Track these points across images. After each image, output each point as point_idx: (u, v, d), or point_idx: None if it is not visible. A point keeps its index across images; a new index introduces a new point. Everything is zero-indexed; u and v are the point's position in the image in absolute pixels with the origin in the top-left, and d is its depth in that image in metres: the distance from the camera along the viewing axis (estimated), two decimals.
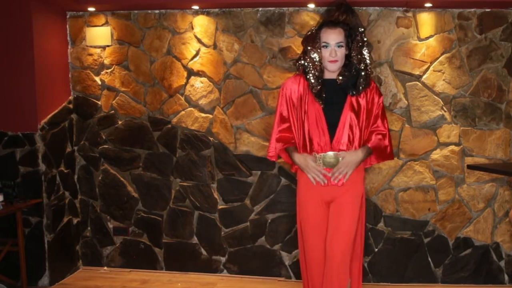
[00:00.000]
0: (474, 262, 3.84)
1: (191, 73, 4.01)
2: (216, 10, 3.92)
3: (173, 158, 4.09)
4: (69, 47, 4.13)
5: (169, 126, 4.08)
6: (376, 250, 3.91)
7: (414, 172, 3.84)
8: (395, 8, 3.74)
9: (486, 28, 3.71)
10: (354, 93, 2.73)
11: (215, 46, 3.96)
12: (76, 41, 4.11)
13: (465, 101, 3.78)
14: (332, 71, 2.73)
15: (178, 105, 4.05)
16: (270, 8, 3.86)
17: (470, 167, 3.46)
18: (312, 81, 2.73)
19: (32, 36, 3.67)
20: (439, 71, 3.76)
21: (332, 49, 2.68)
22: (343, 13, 2.77)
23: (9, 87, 3.73)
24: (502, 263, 3.83)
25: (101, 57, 4.09)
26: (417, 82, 3.78)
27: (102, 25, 4.07)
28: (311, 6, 3.77)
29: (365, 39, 2.77)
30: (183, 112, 4.05)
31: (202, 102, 4.01)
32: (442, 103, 3.78)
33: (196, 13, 3.95)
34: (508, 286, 3.82)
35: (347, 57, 2.76)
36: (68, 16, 4.09)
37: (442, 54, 3.75)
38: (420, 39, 3.75)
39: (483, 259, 3.84)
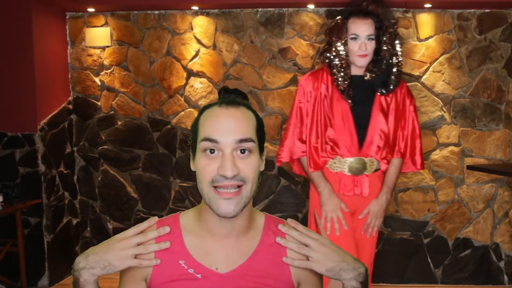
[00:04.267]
0: (474, 263, 3.84)
1: (190, 73, 4.01)
2: (216, 10, 3.92)
3: (172, 159, 4.09)
4: (69, 47, 4.13)
5: (169, 126, 4.08)
6: (376, 250, 3.90)
7: (413, 172, 3.83)
8: (394, 8, 3.74)
9: (486, 29, 3.72)
10: (384, 91, 2.40)
11: (214, 47, 3.96)
12: (76, 42, 4.11)
13: (465, 101, 3.78)
14: (360, 66, 2.38)
15: (178, 106, 4.05)
16: (269, 9, 3.86)
17: (470, 167, 3.46)
18: (339, 76, 2.39)
19: (32, 37, 3.67)
20: (438, 71, 3.76)
21: (362, 42, 2.34)
22: (372, 2, 2.42)
23: (9, 87, 3.73)
24: (502, 264, 3.83)
25: (101, 58, 4.09)
26: (417, 83, 3.78)
27: (102, 25, 4.07)
28: (311, 6, 3.77)
29: (398, 31, 2.44)
30: (182, 113, 4.05)
31: (202, 102, 4.01)
32: (441, 103, 3.78)
33: (196, 13, 3.96)
34: (507, 286, 3.82)
35: (376, 51, 2.40)
36: (67, 17, 4.09)
37: (441, 54, 3.75)
38: (419, 40, 3.76)
39: (483, 260, 3.84)
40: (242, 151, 1.10)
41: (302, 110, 2.45)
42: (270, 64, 3.91)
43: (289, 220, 1.19)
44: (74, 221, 4.18)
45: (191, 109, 4.03)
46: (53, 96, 3.94)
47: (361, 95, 2.39)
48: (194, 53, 3.99)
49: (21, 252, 3.62)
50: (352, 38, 2.36)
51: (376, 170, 2.44)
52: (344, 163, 2.40)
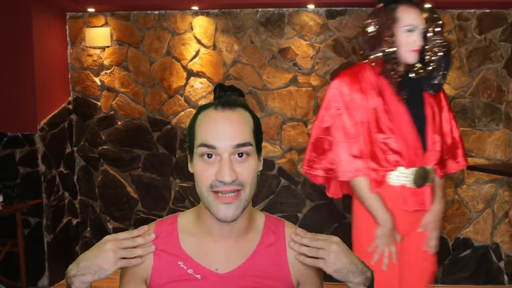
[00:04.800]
0: (474, 263, 3.84)
1: (190, 73, 4.01)
2: (216, 10, 3.92)
3: (172, 159, 4.09)
4: (69, 47, 4.13)
5: (169, 126, 4.07)
6: None
7: None
8: None
9: (486, 29, 3.71)
10: (434, 90, 2.09)
11: (214, 47, 3.96)
12: (76, 42, 4.10)
13: (465, 101, 3.78)
14: (410, 62, 2.03)
15: (178, 106, 4.05)
16: (269, 9, 3.86)
17: (470, 167, 3.46)
18: (396, 74, 2.02)
19: (32, 37, 3.67)
20: None
21: (419, 35, 2.00)
22: None
23: (9, 87, 3.73)
24: (502, 264, 3.83)
25: (101, 58, 4.09)
26: None
27: (102, 25, 4.07)
28: (311, 6, 3.77)
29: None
30: (182, 113, 4.05)
31: (202, 103, 4.01)
32: None
33: (196, 13, 3.96)
34: (507, 286, 3.82)
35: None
36: (67, 17, 4.09)
37: None
38: None
39: (483, 260, 3.84)
40: (240, 154, 1.08)
41: (345, 120, 2.03)
42: (270, 64, 3.91)
43: (298, 230, 1.18)
44: (74, 221, 4.18)
45: (191, 109, 4.03)
46: (53, 96, 3.94)
47: (410, 94, 2.06)
48: (194, 53, 3.99)
49: (21, 252, 3.62)
50: (408, 30, 2.00)
51: (433, 179, 2.11)
52: (408, 175, 2.03)
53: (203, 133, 1.10)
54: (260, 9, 3.88)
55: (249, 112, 1.15)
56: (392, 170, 2.03)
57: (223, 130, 1.08)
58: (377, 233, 2.01)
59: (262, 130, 1.18)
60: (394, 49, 2.00)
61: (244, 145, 1.08)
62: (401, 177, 2.03)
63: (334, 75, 3.84)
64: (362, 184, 2.02)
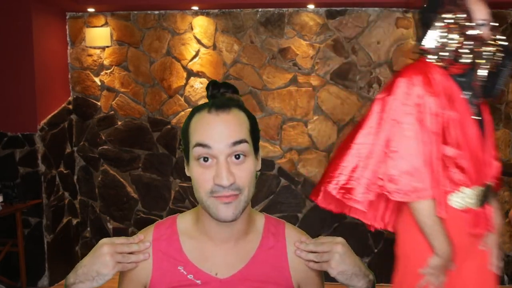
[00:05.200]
0: None
1: (190, 73, 4.01)
2: (216, 10, 3.92)
3: (172, 159, 4.09)
4: (69, 47, 4.13)
5: (169, 126, 4.08)
6: (376, 250, 3.91)
7: None
8: (394, 8, 3.74)
9: None
10: (495, 95, 1.80)
11: (214, 47, 3.96)
12: (76, 42, 4.10)
13: None
14: None
15: (178, 106, 4.05)
16: (269, 9, 3.86)
17: None
18: (481, 75, 1.71)
19: (32, 37, 3.67)
20: None
21: (488, 31, 1.70)
22: None
23: (9, 87, 3.73)
24: (502, 264, 3.83)
25: (101, 58, 4.09)
26: None
27: (102, 25, 4.07)
28: (311, 6, 3.77)
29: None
30: (182, 113, 4.05)
31: (202, 102, 4.00)
32: None
33: (196, 13, 3.96)
34: (507, 286, 3.82)
35: None
36: (67, 17, 4.09)
37: None
38: None
39: None
40: (237, 156, 1.05)
41: (416, 128, 1.67)
42: (270, 64, 3.91)
43: (303, 238, 1.16)
44: (74, 221, 4.18)
45: (191, 109, 4.02)
46: (53, 96, 3.94)
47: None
48: (194, 53, 3.99)
49: (21, 252, 3.62)
50: (481, 24, 1.69)
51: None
52: (472, 195, 1.74)
53: (198, 135, 1.07)
54: (260, 9, 3.88)
55: (244, 111, 1.12)
56: (453, 191, 1.72)
57: (219, 131, 1.06)
58: (431, 263, 1.71)
59: (259, 129, 1.15)
60: (496, 47, 1.67)
61: (240, 142, 1.05)
62: (465, 198, 1.74)
63: (334, 75, 3.85)
64: (427, 208, 1.67)
